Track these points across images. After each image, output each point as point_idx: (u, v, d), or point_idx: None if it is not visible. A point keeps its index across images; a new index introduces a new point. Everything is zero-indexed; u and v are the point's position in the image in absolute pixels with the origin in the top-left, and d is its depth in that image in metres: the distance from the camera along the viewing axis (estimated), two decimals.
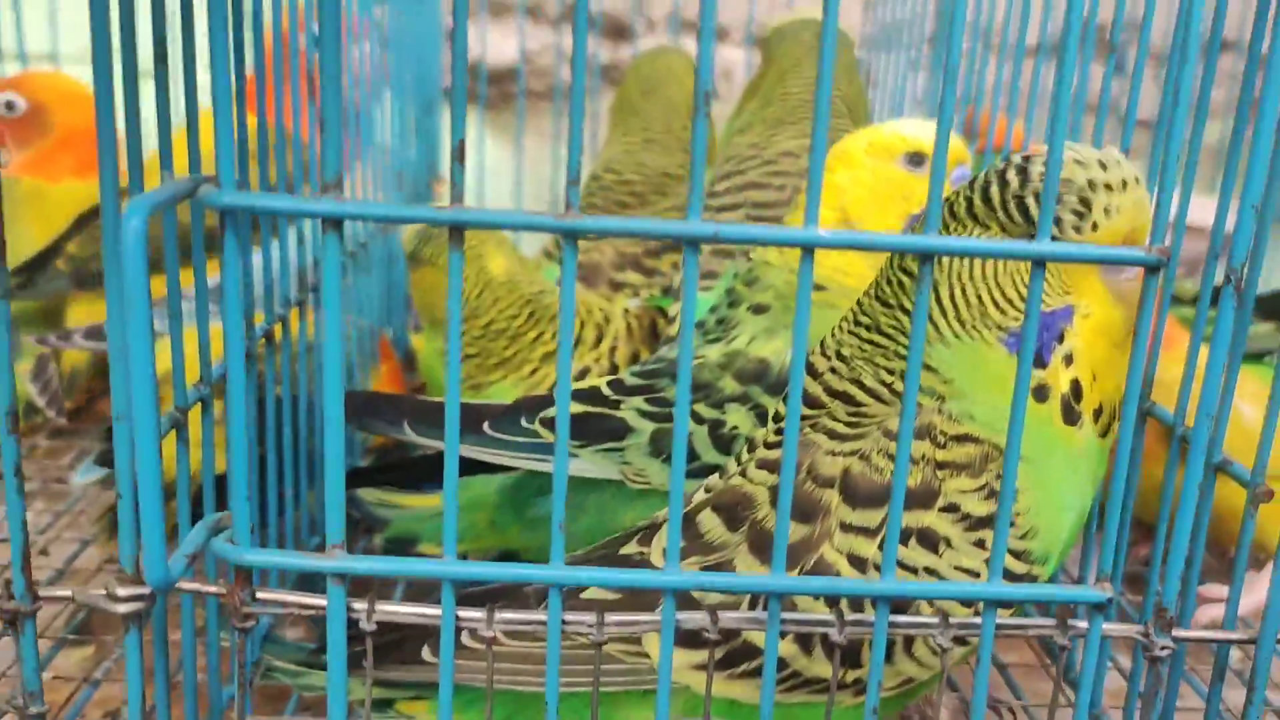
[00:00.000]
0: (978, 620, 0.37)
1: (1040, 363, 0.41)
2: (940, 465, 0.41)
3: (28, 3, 1.05)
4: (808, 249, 0.34)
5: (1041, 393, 0.41)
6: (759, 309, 0.57)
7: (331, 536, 0.35)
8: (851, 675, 0.43)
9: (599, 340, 0.71)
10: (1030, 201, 0.41)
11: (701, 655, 0.43)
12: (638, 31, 1.28)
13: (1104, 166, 0.41)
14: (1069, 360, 0.41)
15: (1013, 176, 0.41)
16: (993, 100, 0.77)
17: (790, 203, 0.67)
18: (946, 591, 0.38)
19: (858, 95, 0.77)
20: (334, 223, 0.33)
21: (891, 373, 0.43)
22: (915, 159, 0.56)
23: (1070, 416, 0.42)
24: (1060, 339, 0.42)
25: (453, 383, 0.35)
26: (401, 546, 0.64)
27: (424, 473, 0.66)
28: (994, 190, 0.42)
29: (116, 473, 0.35)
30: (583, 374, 0.69)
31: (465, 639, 0.47)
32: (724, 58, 1.35)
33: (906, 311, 0.43)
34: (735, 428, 0.54)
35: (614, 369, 0.70)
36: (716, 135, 0.91)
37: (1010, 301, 0.42)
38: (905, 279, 0.44)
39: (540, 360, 0.70)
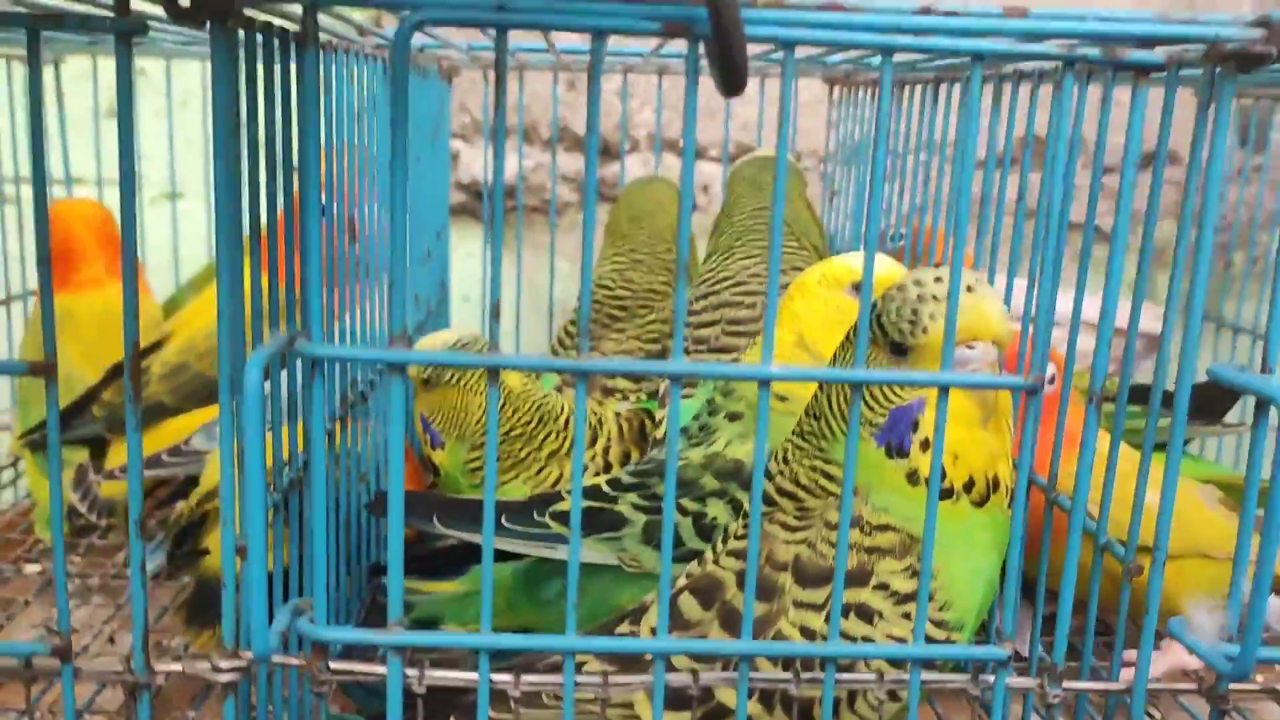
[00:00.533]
0: (907, 677, 0.47)
1: (903, 452, 0.51)
2: (869, 550, 0.51)
3: (70, 130, 1.16)
4: (763, 382, 0.44)
5: (914, 478, 0.51)
6: (733, 416, 0.67)
7: (392, 614, 0.44)
8: None
9: (594, 440, 0.81)
10: (884, 321, 0.51)
11: (685, 716, 0.53)
12: (623, 150, 1.39)
13: (937, 280, 0.50)
14: (925, 446, 0.50)
15: (879, 303, 0.51)
16: (932, 210, 0.87)
17: (760, 319, 0.78)
18: (880, 652, 0.47)
19: (805, 217, 0.89)
20: (398, 368, 0.43)
21: (815, 470, 0.54)
22: (859, 288, 0.67)
23: (941, 493, 0.50)
24: (915, 428, 0.50)
25: (489, 488, 0.44)
26: (426, 626, 0.73)
27: (443, 563, 0.75)
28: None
29: (222, 567, 0.44)
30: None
31: (490, 713, 0.56)
32: (703, 172, 1.47)
33: (817, 418, 0.54)
34: (715, 518, 0.64)
35: (607, 466, 0.80)
36: (698, 252, 1.02)
37: (876, 400, 0.51)
38: (819, 394, 0.54)
39: (546, 459, 0.80)
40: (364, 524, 0.74)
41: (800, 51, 0.84)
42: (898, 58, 0.42)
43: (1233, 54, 0.41)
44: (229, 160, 0.43)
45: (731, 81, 0.40)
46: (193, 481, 0.80)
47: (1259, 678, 0.51)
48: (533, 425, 0.79)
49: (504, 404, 0.78)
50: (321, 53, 0.58)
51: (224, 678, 0.44)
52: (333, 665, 0.46)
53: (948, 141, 0.82)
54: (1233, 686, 0.48)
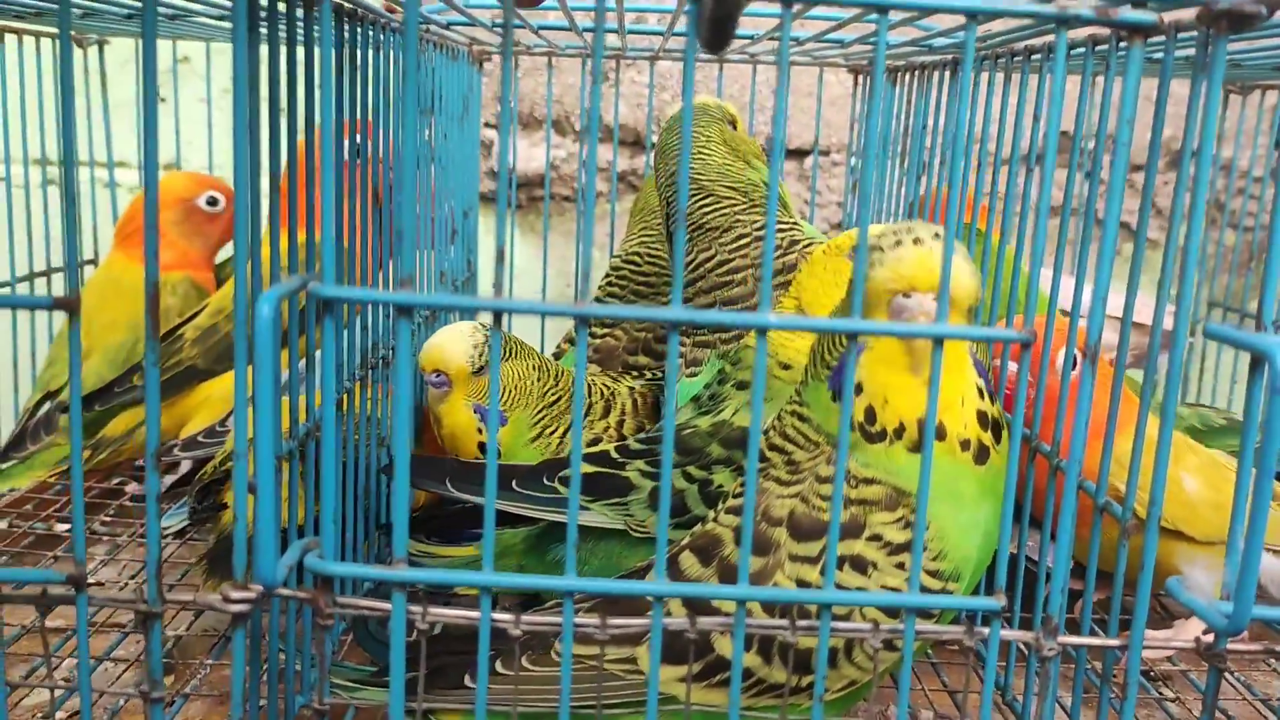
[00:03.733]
0: (902, 626, 0.47)
1: (839, 395, 0.52)
2: (858, 502, 0.51)
3: (115, 114, 1.19)
4: (761, 331, 0.45)
5: (850, 422, 0.51)
6: (741, 385, 0.68)
7: (397, 551, 0.46)
8: (805, 680, 0.53)
9: (607, 411, 0.83)
10: None
11: (686, 669, 0.53)
12: (652, 142, 1.41)
13: (893, 234, 0.51)
14: (859, 389, 0.51)
15: None
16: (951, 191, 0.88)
17: (755, 295, 0.79)
18: (873, 600, 0.48)
19: (740, 166, 0.89)
20: (404, 310, 0.44)
21: (794, 415, 0.55)
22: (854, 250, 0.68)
23: (869, 436, 0.51)
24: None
25: (491, 443, 0.45)
26: (440, 590, 0.74)
27: (459, 525, 0.76)
28: None
29: (234, 500, 0.46)
30: (594, 441, 0.80)
31: (499, 666, 0.57)
32: None
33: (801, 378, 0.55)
34: (721, 486, 0.65)
35: (622, 439, 0.81)
36: None
37: (837, 345, 0.53)
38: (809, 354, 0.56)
39: (565, 432, 0.82)
40: (384, 489, 0.75)
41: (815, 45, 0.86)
42: (901, 35, 0.43)
43: (1225, 13, 0.42)
44: (246, 118, 0.45)
45: (717, 37, 0.41)
46: None
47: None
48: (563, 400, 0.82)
49: (551, 372, 0.81)
50: (346, 21, 0.60)
51: (234, 608, 0.46)
52: (340, 600, 0.47)
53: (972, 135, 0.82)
54: (1230, 647, 0.48)
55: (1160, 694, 0.71)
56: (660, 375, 0.89)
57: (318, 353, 0.62)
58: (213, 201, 1.02)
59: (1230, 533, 0.46)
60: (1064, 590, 0.48)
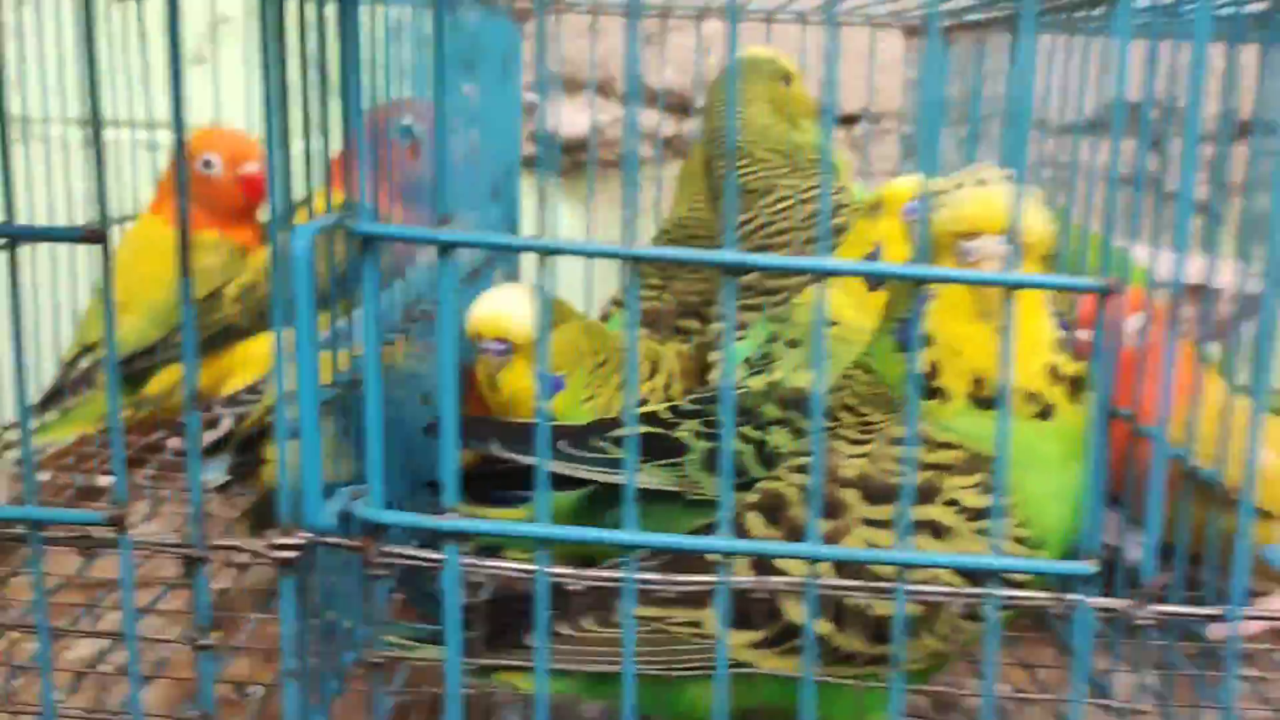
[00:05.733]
0: (984, 592, 0.44)
1: (904, 347, 0.50)
2: (933, 466, 0.49)
3: (155, 76, 1.17)
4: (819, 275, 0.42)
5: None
6: (793, 343, 0.65)
7: (448, 501, 0.43)
8: (879, 650, 0.50)
9: (653, 374, 0.81)
10: None
11: (756, 634, 0.51)
12: (699, 107, 1.38)
13: (956, 185, 0.51)
14: (925, 342, 0.50)
15: None
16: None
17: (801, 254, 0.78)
18: (954, 561, 0.45)
19: (784, 128, 0.88)
20: (447, 249, 0.42)
21: (859, 368, 0.54)
22: (874, 208, 0.69)
23: (926, 392, 0.49)
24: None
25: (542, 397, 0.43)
26: (489, 553, 0.72)
27: (497, 489, 0.74)
28: None
29: (276, 445, 0.44)
30: (641, 404, 0.78)
31: (561, 629, 0.54)
32: None
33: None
34: (778, 447, 0.62)
35: (670, 401, 0.79)
36: None
37: (903, 297, 0.51)
38: None
39: (613, 392, 0.79)
40: (426, 449, 0.73)
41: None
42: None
43: None
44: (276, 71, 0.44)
45: None
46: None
47: None
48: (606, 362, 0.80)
49: (596, 333, 0.80)
50: None
51: (280, 554, 0.44)
52: (388, 549, 0.45)
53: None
54: None
55: (1242, 674, 0.67)
56: (705, 338, 0.87)
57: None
58: (207, 164, 0.99)
59: None
60: (1156, 554, 0.45)
